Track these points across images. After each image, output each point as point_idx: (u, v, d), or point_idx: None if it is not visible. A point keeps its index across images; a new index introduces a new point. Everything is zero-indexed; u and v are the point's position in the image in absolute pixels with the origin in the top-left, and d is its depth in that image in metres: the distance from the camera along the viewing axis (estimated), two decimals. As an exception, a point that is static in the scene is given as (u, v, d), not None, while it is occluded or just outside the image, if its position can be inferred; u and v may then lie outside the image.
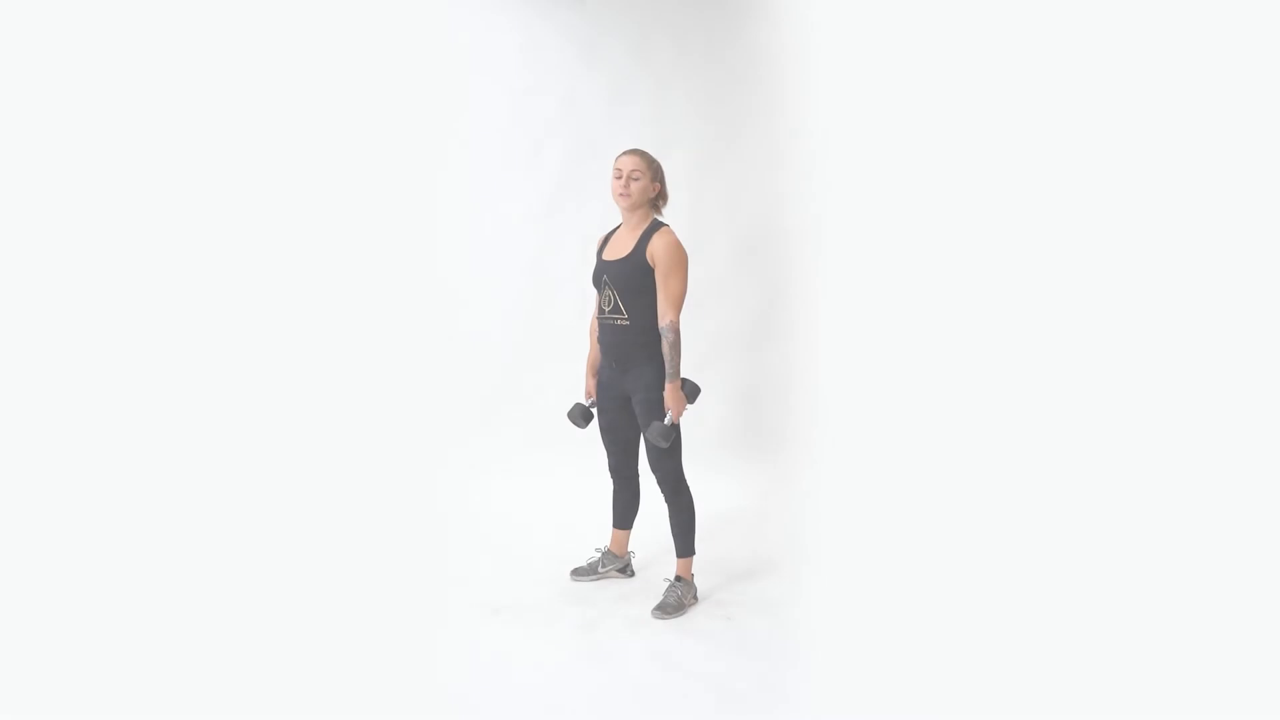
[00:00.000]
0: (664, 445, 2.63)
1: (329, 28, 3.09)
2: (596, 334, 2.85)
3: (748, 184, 4.03)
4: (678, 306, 2.62)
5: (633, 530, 3.06)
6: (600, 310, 2.77)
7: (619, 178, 2.66)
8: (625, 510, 3.02)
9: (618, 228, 2.79)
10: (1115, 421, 1.63)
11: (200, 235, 2.53)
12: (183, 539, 2.46)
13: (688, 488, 2.78)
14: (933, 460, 2.15)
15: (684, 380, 2.69)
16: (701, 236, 3.66)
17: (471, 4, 3.91)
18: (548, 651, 2.47)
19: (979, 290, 1.98)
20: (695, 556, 2.84)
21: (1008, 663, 1.79)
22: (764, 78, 3.89)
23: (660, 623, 2.66)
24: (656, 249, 2.61)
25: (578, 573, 3.01)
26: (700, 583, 2.91)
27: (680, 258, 2.63)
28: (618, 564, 3.04)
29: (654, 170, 2.69)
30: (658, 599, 2.78)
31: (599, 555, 3.05)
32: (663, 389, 2.65)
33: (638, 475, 2.98)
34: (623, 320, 2.68)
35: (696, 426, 3.33)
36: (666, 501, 2.78)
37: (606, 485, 3.03)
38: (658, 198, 2.72)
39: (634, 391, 2.72)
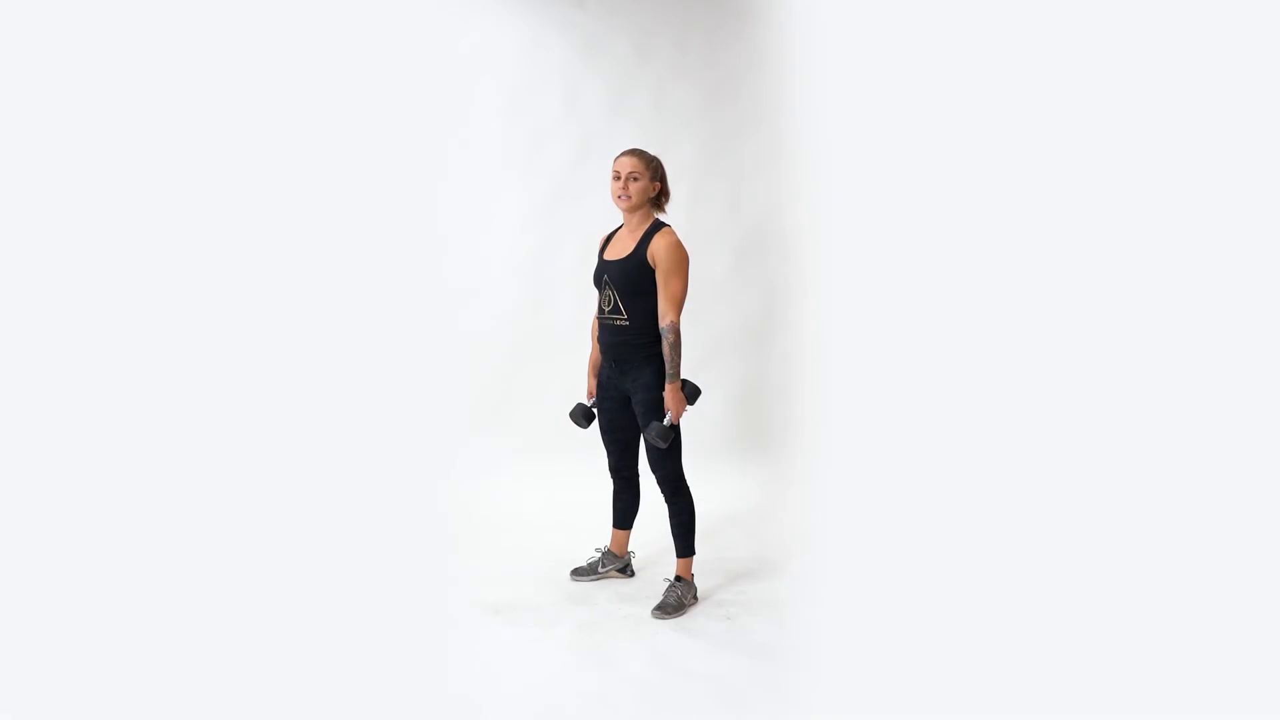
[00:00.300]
0: (663, 445, 2.63)
1: (328, 28, 3.09)
2: (597, 334, 2.85)
3: (748, 184, 4.03)
4: (678, 307, 2.62)
5: (633, 530, 3.06)
6: (600, 310, 2.77)
7: (618, 179, 2.65)
8: (625, 510, 3.02)
9: (619, 228, 2.78)
10: (1120, 417, 1.63)
11: (199, 235, 2.52)
12: (182, 539, 2.45)
13: (688, 488, 2.78)
14: (934, 460, 2.15)
15: (684, 381, 2.69)
16: (701, 236, 3.66)
17: (472, 4, 3.91)
18: (548, 651, 2.47)
19: (981, 286, 1.98)
20: (695, 556, 2.84)
21: (1010, 663, 1.79)
22: (764, 78, 3.89)
23: (660, 623, 2.66)
24: (657, 249, 2.61)
25: (578, 573, 3.01)
26: (700, 583, 2.91)
27: (681, 258, 2.62)
28: (618, 564, 3.04)
29: (653, 169, 2.68)
30: (658, 599, 2.78)
31: (599, 555, 3.05)
32: (662, 389, 2.65)
33: (638, 475, 2.98)
34: (622, 320, 2.68)
35: (696, 426, 3.33)
36: (666, 502, 2.78)
37: (607, 485, 3.03)
38: (659, 196, 2.71)
39: (634, 392, 2.72)
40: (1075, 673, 1.66)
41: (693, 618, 2.70)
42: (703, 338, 3.86)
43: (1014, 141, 1.86)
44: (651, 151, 2.72)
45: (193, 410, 2.53)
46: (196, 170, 2.51)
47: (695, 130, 4.00)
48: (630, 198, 2.63)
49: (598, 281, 2.75)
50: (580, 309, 3.75)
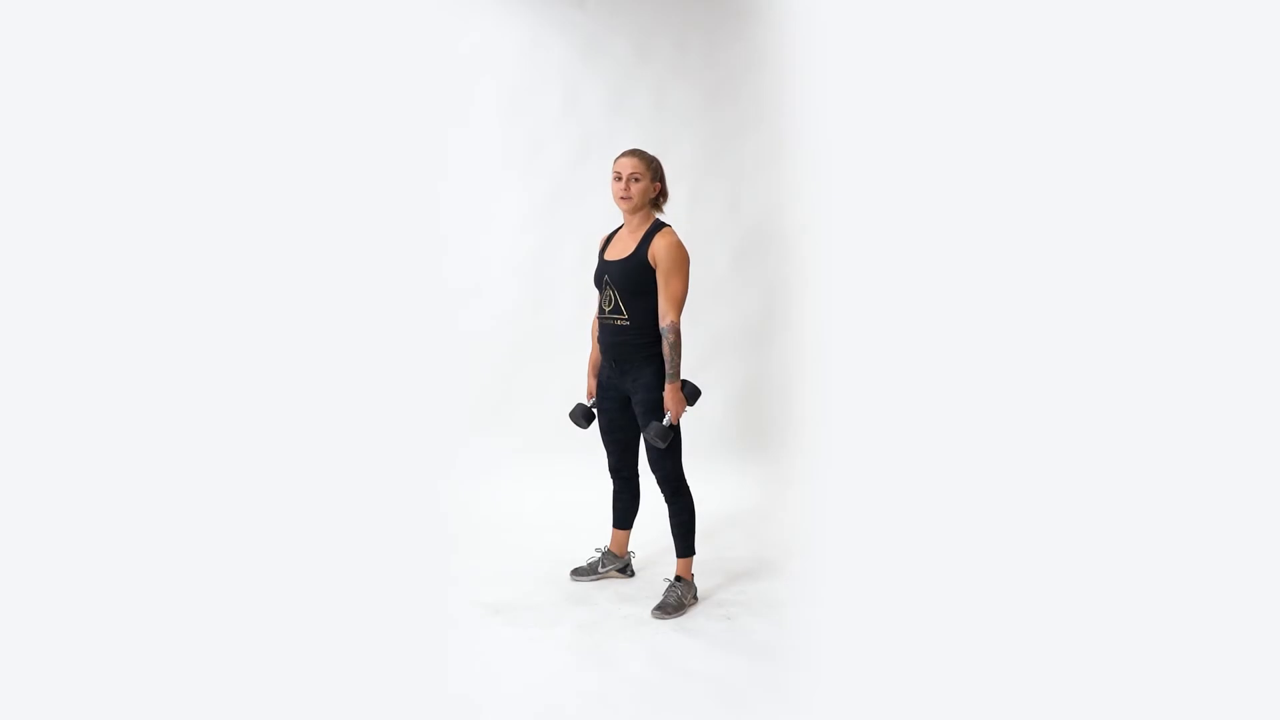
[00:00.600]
0: (662, 446, 2.63)
1: (328, 28, 3.09)
2: (597, 334, 2.85)
3: (748, 184, 4.03)
4: (679, 307, 2.62)
5: (633, 530, 3.06)
6: (601, 310, 2.77)
7: (619, 180, 2.65)
8: (625, 510, 3.02)
9: (619, 228, 2.79)
10: (1121, 417, 1.63)
11: (199, 235, 2.52)
12: (182, 538, 2.45)
13: (688, 488, 2.78)
14: (934, 460, 2.15)
15: (684, 382, 2.69)
16: (701, 236, 3.66)
17: (472, 4, 3.92)
18: (548, 651, 2.47)
19: (980, 287, 1.98)
20: (695, 556, 2.85)
21: (1010, 664, 1.79)
22: (764, 78, 3.89)
23: (660, 623, 2.66)
24: (658, 249, 2.61)
25: (578, 573, 3.02)
26: (700, 583, 2.91)
27: (682, 258, 2.63)
28: (618, 564, 3.04)
29: (654, 169, 2.68)
30: (658, 599, 2.78)
31: (599, 555, 3.06)
32: (662, 389, 2.65)
33: (638, 475, 2.98)
34: (623, 320, 2.68)
35: (696, 426, 3.34)
36: (666, 502, 2.78)
37: (606, 485, 3.03)
38: (659, 196, 2.72)
39: (634, 392, 2.72)
40: (1074, 673, 1.66)
41: (693, 618, 2.70)
42: (703, 338, 3.86)
43: (1014, 141, 1.86)
44: (651, 152, 2.72)
45: (193, 410, 2.54)
46: (197, 171, 2.51)
47: (695, 130, 4.00)
48: (633, 198, 2.63)
49: (598, 282, 2.75)
50: (580, 309, 3.75)
